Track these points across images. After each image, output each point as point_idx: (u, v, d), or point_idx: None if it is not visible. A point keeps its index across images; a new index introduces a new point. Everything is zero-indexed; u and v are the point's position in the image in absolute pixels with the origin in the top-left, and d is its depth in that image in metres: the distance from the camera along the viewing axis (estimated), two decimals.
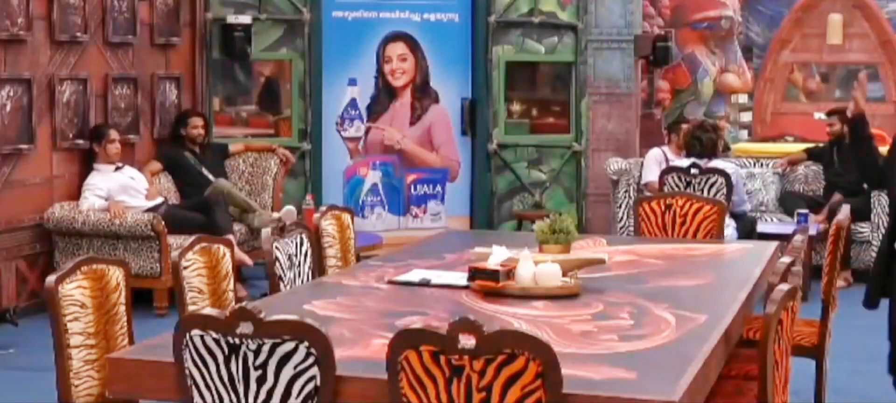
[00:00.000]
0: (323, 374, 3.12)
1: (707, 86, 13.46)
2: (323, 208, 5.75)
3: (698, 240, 6.03)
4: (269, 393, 3.15)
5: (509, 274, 4.28)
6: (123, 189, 8.19)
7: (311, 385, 3.13)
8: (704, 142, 8.42)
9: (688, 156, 8.44)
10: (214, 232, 7.62)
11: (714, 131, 8.68)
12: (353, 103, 9.86)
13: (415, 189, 10.06)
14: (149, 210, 8.13)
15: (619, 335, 3.73)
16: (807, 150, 10.14)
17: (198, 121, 8.95)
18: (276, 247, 4.84)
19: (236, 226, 8.45)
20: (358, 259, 5.80)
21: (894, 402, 5.30)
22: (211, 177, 8.77)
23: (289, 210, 8.42)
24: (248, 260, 8.17)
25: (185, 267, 4.37)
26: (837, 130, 9.47)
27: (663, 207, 6.26)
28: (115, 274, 4.00)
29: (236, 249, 8.07)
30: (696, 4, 13.42)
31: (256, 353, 3.14)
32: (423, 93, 10.05)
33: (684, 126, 9.19)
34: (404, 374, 3.05)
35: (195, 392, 3.24)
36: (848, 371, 6.22)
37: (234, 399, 3.19)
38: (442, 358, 3.00)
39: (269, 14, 9.56)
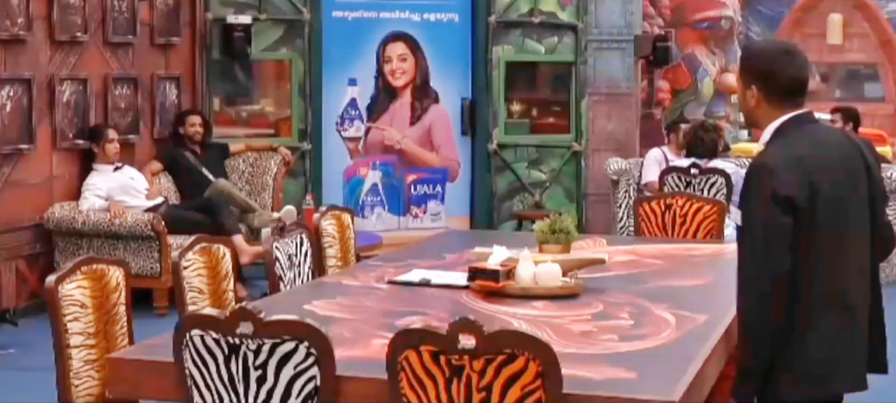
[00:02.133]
0: (323, 374, 3.12)
1: (707, 86, 13.46)
2: (323, 208, 5.76)
3: (698, 240, 6.04)
4: (269, 393, 3.16)
5: (509, 274, 4.28)
6: (123, 189, 8.18)
7: (311, 385, 3.13)
8: (707, 141, 8.42)
9: (689, 155, 8.44)
10: (221, 233, 7.62)
11: (715, 131, 8.69)
12: (353, 103, 9.86)
13: (415, 189, 10.06)
14: (149, 210, 8.12)
15: (619, 335, 3.74)
16: None
17: (195, 120, 8.94)
18: (276, 247, 4.84)
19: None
20: (358, 259, 5.80)
21: (894, 401, 5.30)
22: (211, 176, 8.76)
23: (289, 210, 8.42)
24: (258, 248, 7.98)
25: (185, 267, 4.38)
26: (840, 129, 9.46)
27: (663, 207, 6.26)
28: (115, 274, 4.00)
29: (247, 246, 8.08)
30: (696, 4, 13.42)
31: (256, 353, 3.14)
32: (423, 94, 10.05)
33: (684, 126, 9.19)
34: (404, 374, 3.05)
35: (195, 393, 3.24)
36: None
37: (234, 399, 3.19)
38: (442, 358, 3.00)
39: (269, 14, 9.55)
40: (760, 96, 3.33)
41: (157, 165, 8.82)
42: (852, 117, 9.54)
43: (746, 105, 3.39)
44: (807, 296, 3.24)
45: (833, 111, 9.77)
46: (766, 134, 3.35)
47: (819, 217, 3.22)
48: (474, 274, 4.34)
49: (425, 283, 4.54)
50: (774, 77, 3.31)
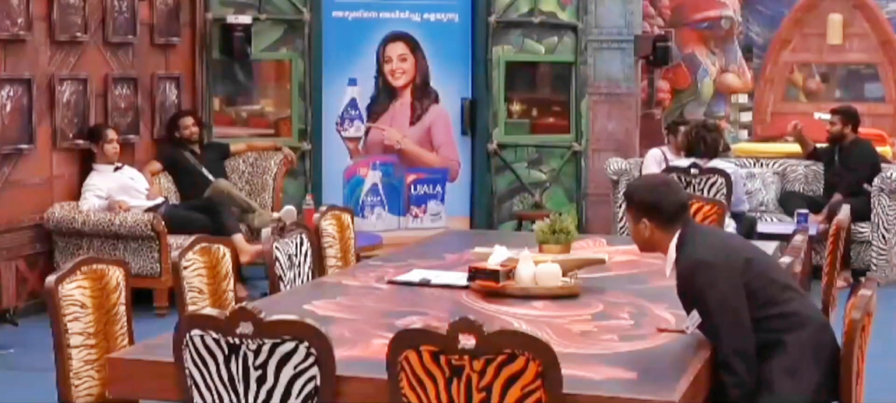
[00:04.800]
0: (323, 374, 3.12)
1: (707, 86, 13.46)
2: (323, 208, 5.75)
3: None
4: (269, 393, 3.16)
5: (509, 274, 4.29)
6: (123, 189, 8.18)
7: (311, 386, 3.13)
8: (708, 141, 8.42)
9: (690, 155, 8.43)
10: (221, 233, 7.62)
11: (717, 131, 8.69)
12: (353, 103, 9.86)
13: (415, 189, 10.06)
14: (149, 209, 8.12)
15: (619, 335, 3.74)
16: (814, 149, 10.13)
17: (188, 121, 8.92)
18: (277, 247, 4.84)
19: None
20: (358, 259, 5.81)
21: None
22: (211, 177, 8.76)
23: (289, 210, 8.41)
24: (258, 247, 7.95)
25: (185, 267, 4.38)
26: (838, 130, 9.47)
27: None
28: (115, 274, 4.00)
29: (247, 246, 8.07)
30: (696, 4, 13.41)
31: (256, 353, 3.14)
32: (423, 94, 10.04)
33: (682, 127, 9.18)
34: (404, 374, 3.05)
35: (195, 393, 3.24)
36: None
37: (234, 399, 3.19)
38: (442, 358, 3.00)
39: (269, 14, 9.55)
40: (653, 226, 3.80)
41: (156, 165, 8.81)
42: (851, 118, 9.53)
43: (641, 236, 3.84)
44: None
45: (833, 112, 9.76)
46: (672, 251, 3.77)
47: (769, 276, 3.73)
48: (474, 274, 4.34)
49: (425, 283, 4.54)
50: (660, 206, 3.78)
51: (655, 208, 3.78)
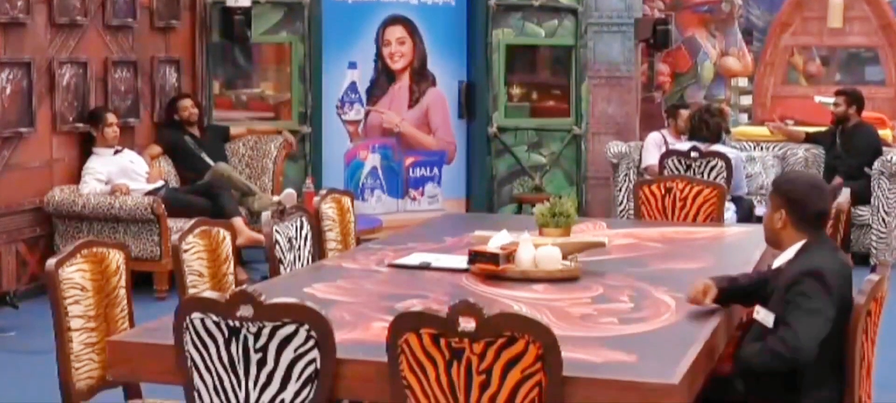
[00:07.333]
0: (323, 357, 3.13)
1: (707, 69, 13.43)
2: (323, 191, 5.75)
3: (698, 224, 6.04)
4: (270, 376, 3.16)
5: (509, 257, 4.29)
6: (123, 172, 8.18)
7: (311, 368, 3.14)
8: (711, 125, 8.41)
9: (692, 138, 8.43)
10: (221, 216, 7.63)
11: (720, 116, 8.68)
12: (352, 86, 9.86)
13: (413, 171, 10.06)
14: (149, 193, 8.12)
15: (619, 318, 3.74)
16: (807, 134, 10.13)
17: (186, 103, 8.91)
18: (277, 230, 4.84)
19: None
20: (358, 242, 5.80)
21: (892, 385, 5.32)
22: (210, 160, 8.75)
23: (289, 193, 8.42)
24: (260, 237, 8.02)
25: (186, 251, 4.38)
26: (842, 111, 9.46)
27: (663, 190, 6.27)
28: (116, 257, 4.00)
29: (246, 229, 8.07)
30: None
31: (257, 336, 3.14)
32: (421, 77, 10.04)
33: (683, 111, 9.17)
34: (404, 357, 3.06)
35: (195, 375, 3.25)
36: None
37: (235, 382, 3.20)
38: (442, 341, 3.00)
39: None
40: (787, 220, 3.80)
41: (156, 149, 8.81)
42: (856, 100, 9.53)
43: (773, 226, 3.84)
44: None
45: (837, 93, 9.75)
46: (791, 251, 3.79)
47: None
48: (474, 257, 4.34)
49: (425, 266, 4.55)
50: (804, 206, 3.78)
51: (798, 205, 3.79)
